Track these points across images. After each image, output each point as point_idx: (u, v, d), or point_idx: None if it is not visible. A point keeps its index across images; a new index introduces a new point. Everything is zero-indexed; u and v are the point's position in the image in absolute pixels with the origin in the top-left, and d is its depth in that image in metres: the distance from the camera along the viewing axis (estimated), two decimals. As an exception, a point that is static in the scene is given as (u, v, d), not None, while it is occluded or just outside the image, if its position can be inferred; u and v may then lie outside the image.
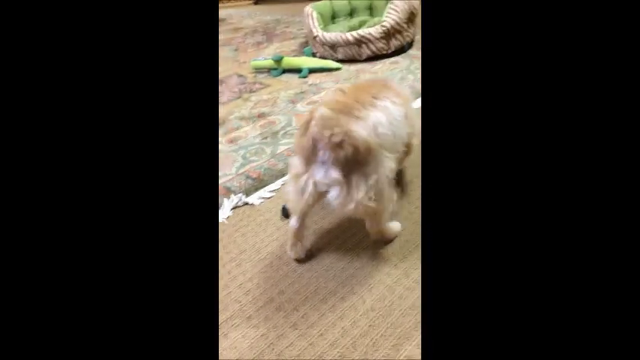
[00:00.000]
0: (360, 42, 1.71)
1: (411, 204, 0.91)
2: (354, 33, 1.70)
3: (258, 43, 2.43)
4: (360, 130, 0.63)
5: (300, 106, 1.45)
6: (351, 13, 2.12)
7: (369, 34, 1.68)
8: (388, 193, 0.69)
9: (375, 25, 1.81)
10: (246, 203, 1.00)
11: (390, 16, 1.67)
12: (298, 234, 0.77)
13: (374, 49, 1.73)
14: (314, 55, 1.87)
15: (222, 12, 3.71)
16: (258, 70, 1.85)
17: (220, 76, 1.90)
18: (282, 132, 1.29)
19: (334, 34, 1.74)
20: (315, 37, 1.81)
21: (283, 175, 1.06)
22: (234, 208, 0.99)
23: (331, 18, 2.10)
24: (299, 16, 2.74)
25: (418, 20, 1.86)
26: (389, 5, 1.70)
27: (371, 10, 2.11)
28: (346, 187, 0.65)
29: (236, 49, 2.38)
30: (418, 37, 1.94)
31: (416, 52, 1.80)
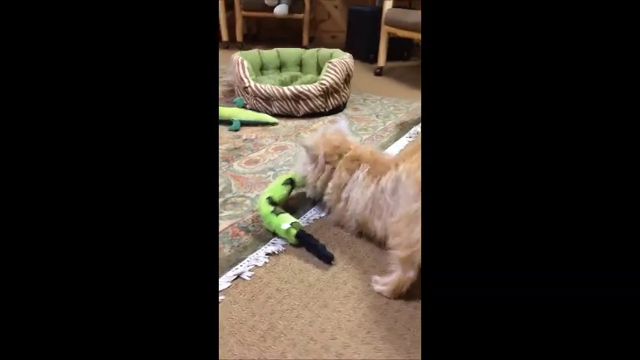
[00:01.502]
0: (298, 97, 1.59)
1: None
2: (292, 88, 1.57)
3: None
4: None
5: (238, 166, 1.21)
6: (280, 67, 2.02)
7: (308, 90, 1.58)
8: None
9: (309, 81, 1.73)
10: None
11: (329, 75, 1.61)
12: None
13: (312, 106, 1.62)
14: (244, 106, 1.67)
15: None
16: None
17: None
18: (220, 199, 1.02)
19: (269, 87, 1.58)
20: (245, 88, 1.63)
21: (233, 263, 0.79)
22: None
23: (260, 69, 1.96)
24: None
25: (352, 82, 1.85)
26: (327, 65, 1.64)
27: (301, 67, 2.04)
28: None
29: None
30: (352, 97, 1.93)
31: (352, 112, 1.76)
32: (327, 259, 0.81)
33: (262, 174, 1.17)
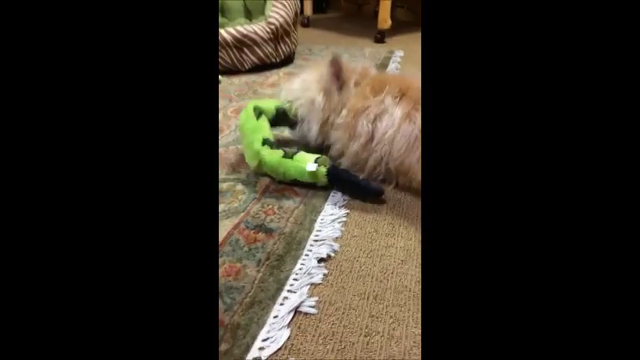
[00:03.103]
0: (241, 44, 1.19)
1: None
2: (232, 30, 1.17)
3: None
4: None
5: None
6: (196, 14, 1.55)
7: (254, 32, 1.19)
8: None
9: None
10: None
11: (278, 12, 1.24)
12: None
13: (261, 54, 1.24)
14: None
15: None
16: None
17: None
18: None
19: (199, 32, 1.15)
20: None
21: (275, 289, 0.45)
22: None
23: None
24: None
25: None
26: (272, -2, 1.26)
27: (223, 12, 1.60)
28: None
29: None
30: (299, 48, 1.58)
31: (306, 63, 1.42)
32: (375, 192, 0.62)
33: (239, 144, 0.79)
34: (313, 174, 0.62)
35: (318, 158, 0.63)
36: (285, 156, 0.63)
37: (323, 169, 0.62)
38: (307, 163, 0.62)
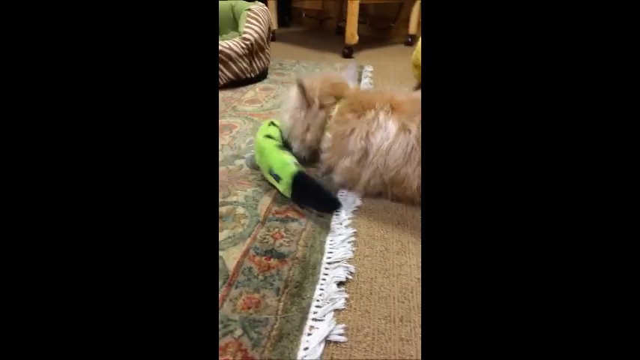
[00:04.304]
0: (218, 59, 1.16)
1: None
2: (207, 46, 1.13)
3: None
4: None
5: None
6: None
7: (229, 48, 1.16)
8: None
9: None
10: None
11: (253, 27, 1.22)
12: None
13: (236, 70, 1.21)
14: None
15: None
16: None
17: None
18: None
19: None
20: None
21: (300, 319, 0.43)
22: None
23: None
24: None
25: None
26: (246, 14, 1.24)
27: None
28: None
29: None
30: (270, 63, 1.56)
31: (279, 77, 1.41)
32: (332, 204, 0.61)
33: (229, 164, 0.76)
34: (285, 167, 0.64)
35: (296, 163, 0.66)
36: (279, 147, 0.69)
37: (295, 168, 0.63)
38: (288, 159, 0.66)
